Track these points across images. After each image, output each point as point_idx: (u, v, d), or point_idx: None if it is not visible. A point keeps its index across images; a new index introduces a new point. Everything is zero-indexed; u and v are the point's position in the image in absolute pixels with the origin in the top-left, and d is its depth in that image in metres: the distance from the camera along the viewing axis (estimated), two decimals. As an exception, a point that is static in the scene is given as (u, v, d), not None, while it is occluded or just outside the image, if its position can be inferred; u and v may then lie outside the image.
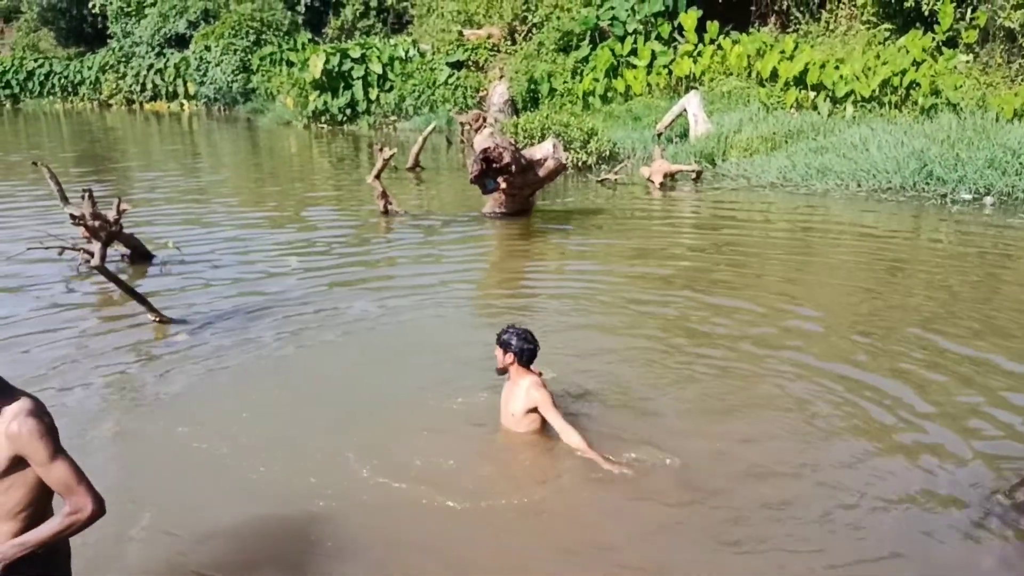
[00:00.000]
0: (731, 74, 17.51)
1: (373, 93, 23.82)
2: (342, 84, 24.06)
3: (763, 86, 16.35)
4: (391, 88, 23.53)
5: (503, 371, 4.61)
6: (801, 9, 18.21)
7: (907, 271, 8.23)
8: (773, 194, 11.93)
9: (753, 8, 19.37)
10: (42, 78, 40.83)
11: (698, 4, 18.98)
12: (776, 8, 18.93)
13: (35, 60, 41.33)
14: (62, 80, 40.17)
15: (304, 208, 12.41)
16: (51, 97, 40.61)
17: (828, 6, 17.75)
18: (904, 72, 14.37)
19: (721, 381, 5.45)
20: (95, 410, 5.24)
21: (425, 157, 16.22)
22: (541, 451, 4.53)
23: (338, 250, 9.52)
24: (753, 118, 14.98)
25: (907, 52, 14.91)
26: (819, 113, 14.75)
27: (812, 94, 15.27)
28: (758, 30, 18.69)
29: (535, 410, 4.50)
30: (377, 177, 11.15)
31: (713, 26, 18.46)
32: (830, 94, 14.96)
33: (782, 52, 16.47)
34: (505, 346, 4.55)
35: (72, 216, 6.95)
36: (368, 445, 4.61)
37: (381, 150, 11.41)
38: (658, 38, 19.23)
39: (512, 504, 4.10)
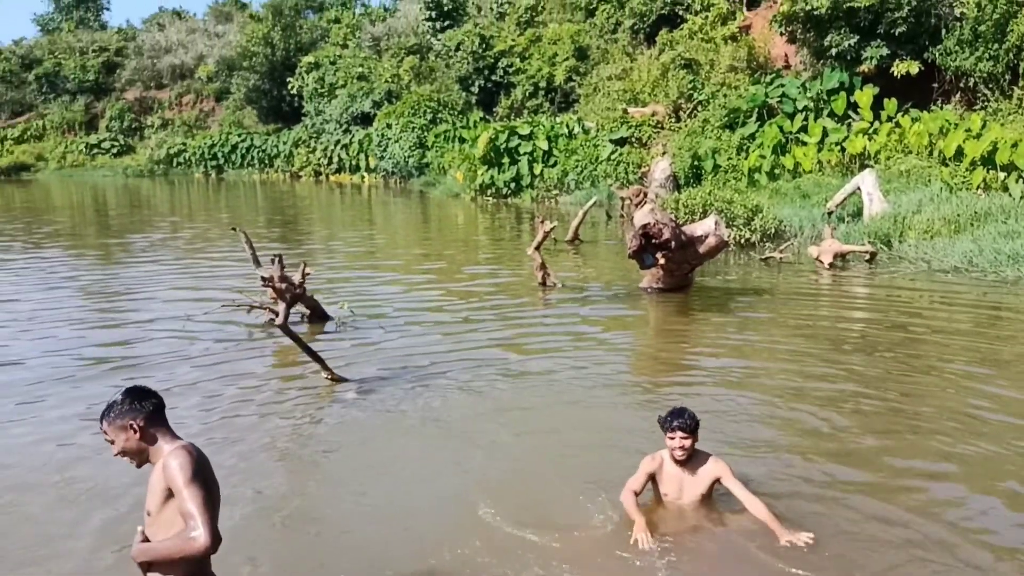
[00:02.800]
0: (910, 152, 16.69)
1: (537, 168, 24.62)
2: (508, 159, 25.05)
3: (946, 165, 15.45)
4: (555, 163, 24.23)
5: (687, 457, 4.47)
6: (990, 86, 17.18)
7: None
8: (957, 280, 11.13)
9: (935, 85, 18.49)
10: (244, 151, 45.39)
11: (874, 82, 18.37)
12: (961, 85, 17.97)
13: (238, 135, 46.08)
14: (260, 153, 44.43)
15: (466, 277, 12.90)
16: (250, 168, 44.96)
17: (1021, 83, 16.65)
18: (1111, 152, 13.15)
19: (885, 477, 5.08)
20: (262, 460, 5.64)
21: (585, 231, 16.47)
22: (720, 526, 4.41)
23: (495, 319, 9.79)
24: (935, 198, 14.12)
25: (1115, 130, 13.66)
26: (1010, 195, 13.70)
27: (1002, 175, 14.24)
28: (940, 108, 17.78)
29: (712, 485, 4.47)
30: (537, 249, 11.44)
31: (891, 103, 17.77)
32: (1022, 175, 13.90)
33: (968, 130, 15.54)
34: (695, 431, 4.47)
35: (263, 278, 7.62)
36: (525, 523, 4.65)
37: (542, 222, 11.73)
38: (831, 115, 18.72)
39: None
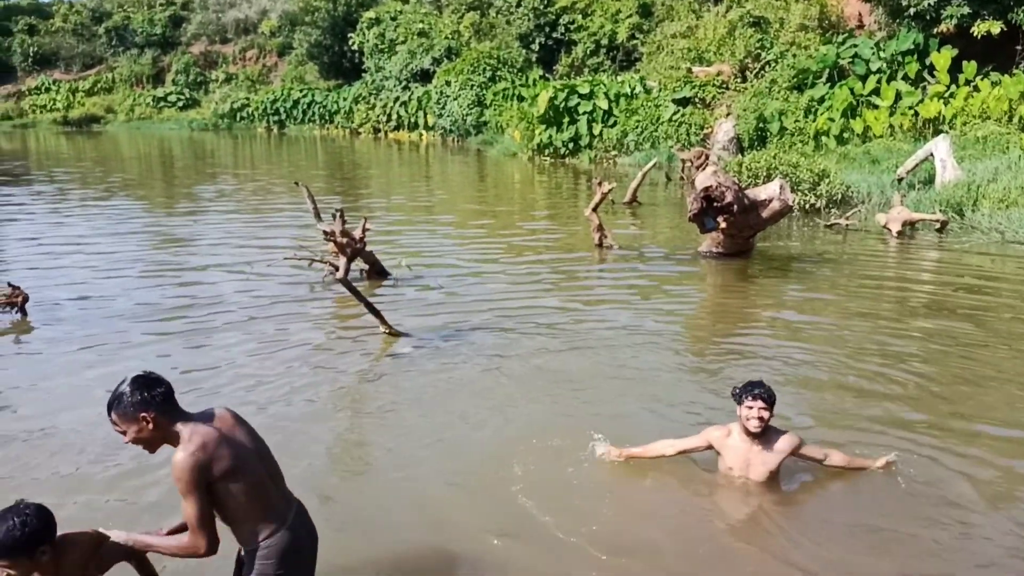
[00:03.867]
0: (988, 118, 15.97)
1: (597, 128, 24.29)
2: (567, 119, 24.77)
3: (1027, 132, 14.76)
4: (615, 124, 23.87)
5: (761, 431, 4.39)
6: (1080, 47, 16.28)
7: None
8: (1032, 252, 10.70)
9: (1019, 47, 17.56)
10: (304, 107, 45.85)
11: (953, 43, 17.53)
12: (1048, 47, 17.05)
13: (300, 91, 46.52)
14: (321, 109, 44.85)
15: (522, 236, 12.89)
16: (311, 124, 45.45)
17: (1115, 44, 15.72)
18: None
19: (945, 462, 4.96)
20: (318, 411, 5.78)
21: (643, 192, 16.26)
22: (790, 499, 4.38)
23: (552, 280, 9.79)
24: (1012, 166, 13.51)
25: None
26: (1096, 164, 13.04)
27: (1088, 142, 13.56)
28: (1023, 71, 16.91)
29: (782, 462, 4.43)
30: (594, 210, 11.35)
31: (970, 66, 16.97)
32: (1111, 143, 13.21)
33: (1053, 95, 14.79)
34: (773, 404, 4.38)
35: (324, 232, 7.73)
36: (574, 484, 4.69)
37: (600, 184, 11.61)
38: (905, 78, 17.98)
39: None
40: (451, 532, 4.19)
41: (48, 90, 56.64)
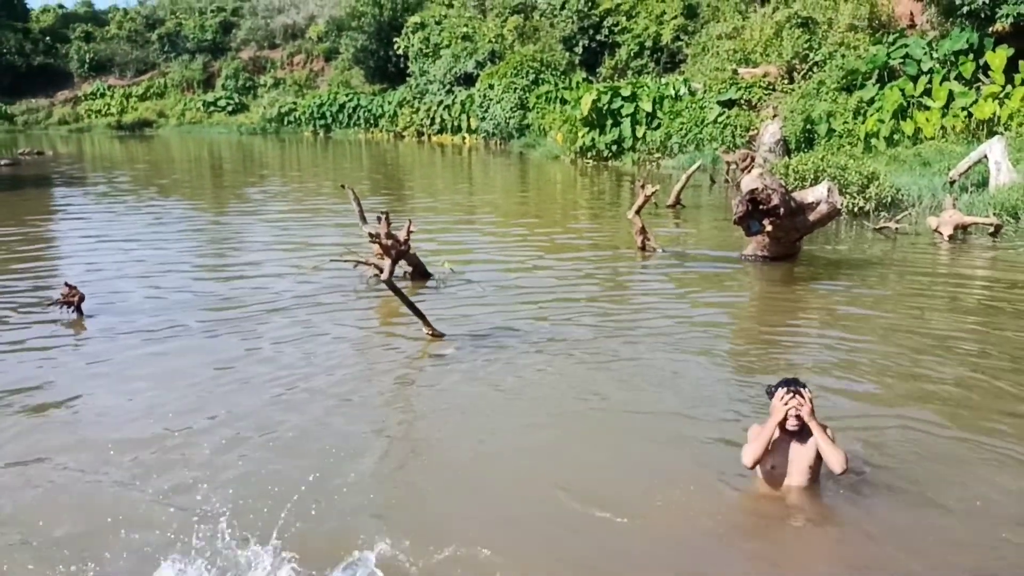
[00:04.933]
0: (1046, 119, 15.52)
1: (640, 131, 24.18)
2: (611, 121, 24.69)
3: (1087, 133, 14.30)
4: (658, 126, 23.73)
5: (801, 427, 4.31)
6: None
7: None
8: (1092, 257, 10.37)
9: (1080, 45, 17.03)
10: (350, 111, 46.48)
11: (1008, 42, 17.06)
12: (1111, 44, 16.50)
13: (346, 95, 47.16)
14: (366, 113, 45.40)
15: (565, 239, 12.89)
16: (356, 128, 46.04)
17: None
18: None
19: (990, 474, 4.84)
20: (361, 412, 5.84)
21: (687, 195, 16.13)
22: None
23: (593, 282, 9.77)
24: (1071, 169, 13.13)
25: None
26: None
27: None
28: (1085, 69, 16.40)
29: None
30: (637, 213, 11.30)
31: (1027, 65, 16.52)
32: None
33: (1115, 94, 14.31)
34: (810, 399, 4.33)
35: (369, 235, 7.83)
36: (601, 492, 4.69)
37: (643, 186, 11.55)
38: (958, 78, 17.56)
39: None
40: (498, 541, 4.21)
41: (103, 95, 58.25)
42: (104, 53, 59.57)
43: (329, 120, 47.51)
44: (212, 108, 54.39)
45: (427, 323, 7.23)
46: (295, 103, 50.03)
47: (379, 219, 7.39)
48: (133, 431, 5.44)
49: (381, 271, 8.07)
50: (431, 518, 4.35)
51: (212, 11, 59.16)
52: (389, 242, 7.29)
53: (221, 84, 55.66)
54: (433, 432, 5.50)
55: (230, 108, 53.97)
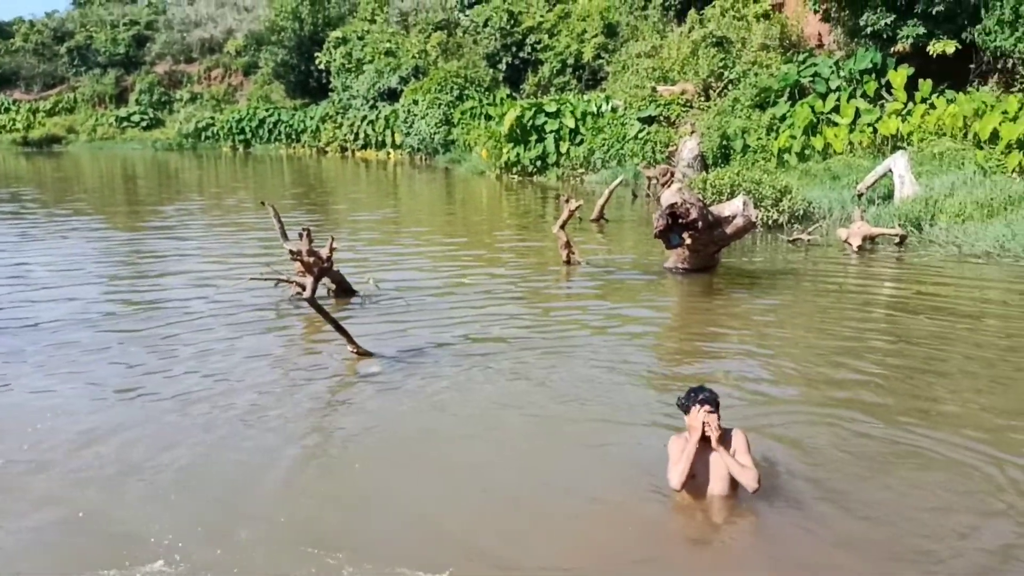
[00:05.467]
0: (944, 134, 16.39)
1: (564, 146, 24.50)
2: (534, 137, 24.94)
3: (980, 148, 15.15)
4: (582, 142, 24.09)
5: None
6: (1030, 67, 16.78)
7: None
8: (987, 264, 10.96)
9: (972, 66, 18.08)
10: (271, 126, 45.69)
11: (909, 62, 18.01)
12: (999, 67, 17.56)
13: (266, 110, 46.35)
14: (287, 128, 44.71)
15: (490, 254, 12.92)
16: (277, 143, 45.26)
17: (1062, 63, 16.25)
18: None
19: (912, 468, 5.06)
20: (286, 433, 5.71)
21: (610, 210, 16.40)
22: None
23: (519, 296, 9.81)
24: (968, 182, 13.88)
25: None
26: (1047, 179, 13.44)
27: (1039, 158, 13.95)
28: (977, 89, 17.40)
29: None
30: (562, 227, 11.43)
31: (926, 84, 17.44)
32: (1061, 158, 13.61)
33: (1004, 112, 15.21)
34: (718, 406, 4.42)
35: (291, 252, 7.69)
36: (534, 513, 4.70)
37: (567, 201, 11.70)
38: (863, 96, 18.40)
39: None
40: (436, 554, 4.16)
41: (7, 110, 55.73)
42: (8, 66, 57.03)
43: (249, 135, 46.57)
44: (125, 123, 52.62)
45: (352, 341, 7.12)
46: (213, 118, 48.87)
47: (300, 235, 7.27)
48: (39, 450, 5.18)
49: (303, 289, 7.92)
50: (353, 538, 4.27)
51: (125, 24, 57.34)
52: (311, 259, 7.17)
53: (135, 99, 53.93)
54: (357, 451, 5.41)
55: (144, 123, 52.34)
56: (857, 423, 5.62)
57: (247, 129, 46.55)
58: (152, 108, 53.09)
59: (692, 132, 20.48)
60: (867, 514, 4.40)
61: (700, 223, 10.03)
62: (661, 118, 22.62)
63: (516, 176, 25.30)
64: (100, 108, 54.72)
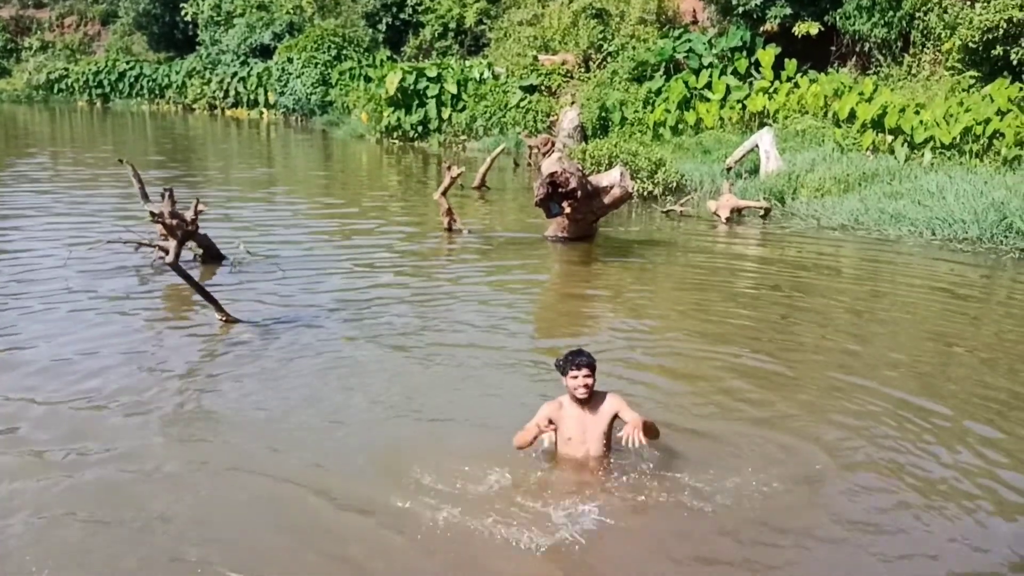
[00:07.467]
0: (806, 113, 17.26)
1: (446, 112, 24.19)
2: (416, 102, 24.49)
3: (839, 127, 16.07)
4: (464, 108, 23.85)
5: (588, 396, 4.52)
6: (883, 52, 17.87)
7: (978, 325, 7.94)
8: (843, 236, 11.68)
9: (833, 48, 19.09)
10: (132, 80, 42.72)
11: (776, 41, 18.81)
12: (857, 50, 18.62)
13: (127, 62, 43.29)
14: (150, 83, 41.94)
15: (370, 219, 12.64)
16: (139, 98, 42.42)
17: (912, 50, 17.39)
18: (988, 121, 13.94)
19: (764, 434, 5.34)
20: (154, 403, 5.41)
21: (492, 178, 16.37)
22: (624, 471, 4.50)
23: (399, 262, 9.67)
24: (827, 158, 14.70)
25: (992, 101, 14.47)
26: (896, 158, 14.40)
27: (889, 138, 14.93)
28: (837, 70, 18.40)
29: (612, 421, 4.55)
30: (444, 194, 11.30)
31: (791, 64, 18.26)
32: (908, 139, 14.61)
33: (861, 94, 16.17)
34: (594, 369, 4.50)
35: (151, 214, 7.23)
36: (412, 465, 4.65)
37: (449, 168, 11.57)
38: (734, 73, 19.09)
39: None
40: (305, 532, 4.03)
41: None
42: None
43: (107, 89, 43.40)
44: (-34, 72, 47.95)
45: (219, 308, 6.79)
46: (67, 69, 45.20)
47: (163, 196, 6.84)
48: None
49: (167, 253, 7.47)
50: (215, 526, 4.09)
51: (-38, -40, 52.00)
52: (174, 222, 6.76)
53: (-25, 45, 49.16)
54: (222, 427, 5.17)
55: (-12, 72, 47.86)
56: (720, 392, 5.86)
57: (105, 82, 43.35)
58: (-4, 56, 48.58)
59: (572, 103, 20.68)
60: (728, 479, 4.59)
61: (579, 192, 10.15)
62: (543, 87, 22.68)
63: (397, 141, 24.82)
64: (-66, 53, 49.54)
